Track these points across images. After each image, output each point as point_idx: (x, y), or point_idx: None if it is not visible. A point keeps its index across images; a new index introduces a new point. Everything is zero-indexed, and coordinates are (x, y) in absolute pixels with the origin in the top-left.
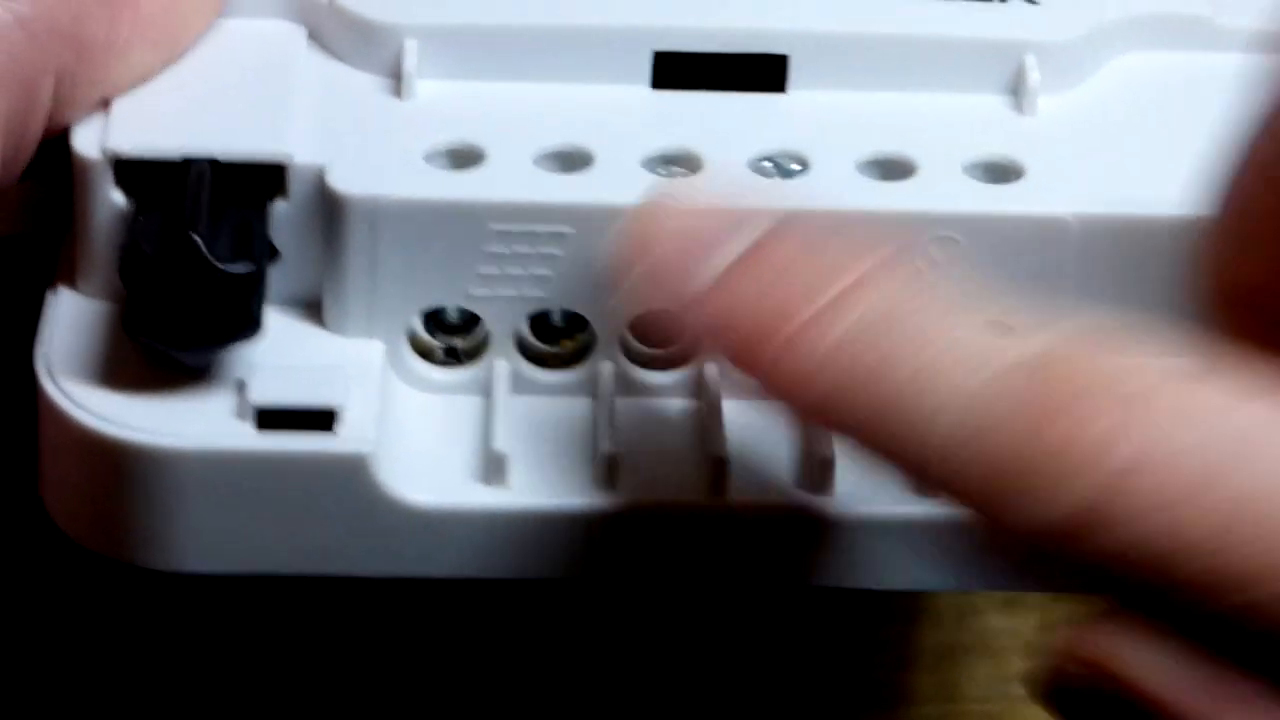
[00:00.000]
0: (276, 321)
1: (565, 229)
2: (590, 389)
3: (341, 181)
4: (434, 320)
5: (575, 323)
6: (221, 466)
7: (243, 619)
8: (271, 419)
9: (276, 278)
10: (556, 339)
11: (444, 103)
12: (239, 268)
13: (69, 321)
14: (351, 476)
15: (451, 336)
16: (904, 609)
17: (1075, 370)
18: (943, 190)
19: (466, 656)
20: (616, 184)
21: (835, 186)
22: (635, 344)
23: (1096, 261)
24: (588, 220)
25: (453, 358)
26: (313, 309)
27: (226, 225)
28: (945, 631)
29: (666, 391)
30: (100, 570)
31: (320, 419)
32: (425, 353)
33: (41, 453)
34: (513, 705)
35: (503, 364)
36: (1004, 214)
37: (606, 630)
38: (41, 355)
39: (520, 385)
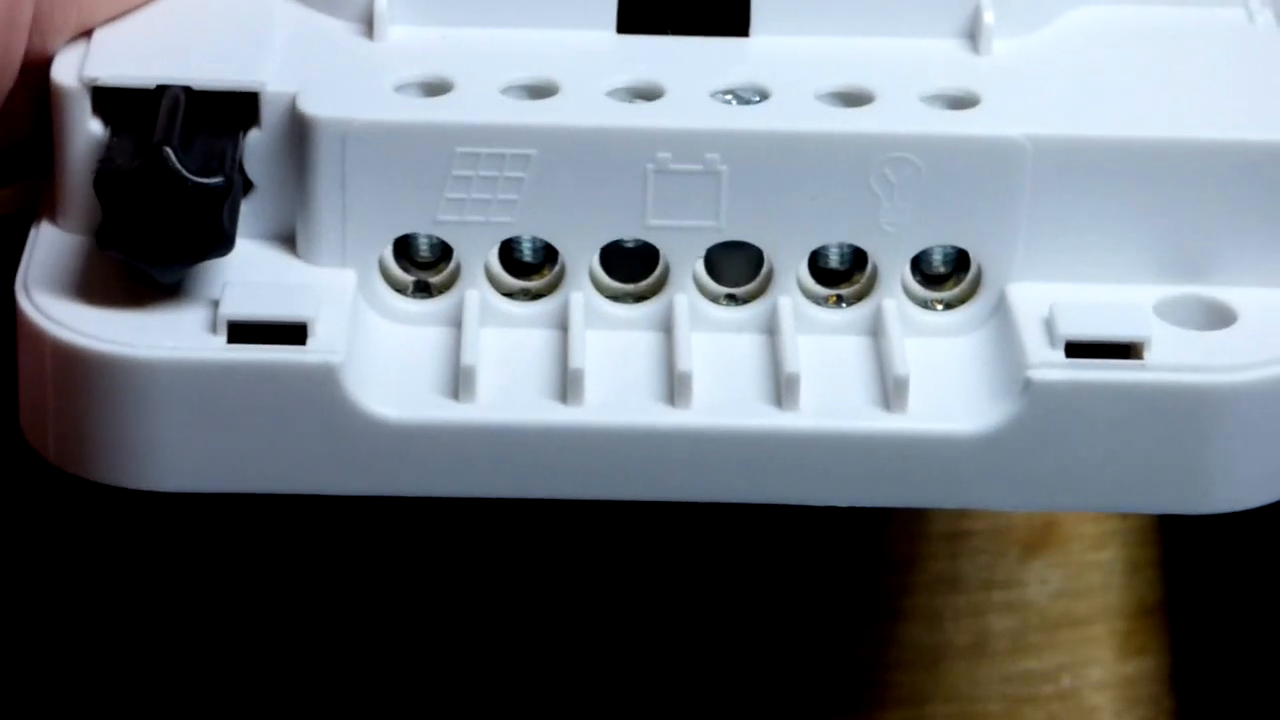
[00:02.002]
0: (251, 251)
1: (530, 151)
2: (560, 321)
3: (311, 105)
4: (406, 256)
5: (545, 258)
6: (192, 378)
7: (218, 543)
8: (243, 332)
9: (251, 211)
10: (527, 275)
11: (414, 43)
12: (210, 181)
13: (48, 250)
14: (320, 388)
15: (423, 271)
16: (904, 609)
17: None
18: (899, 115)
19: (449, 585)
20: (581, 109)
21: (794, 113)
22: (604, 277)
23: (1050, 184)
24: (553, 142)
25: (424, 291)
26: (288, 243)
27: (199, 146)
28: (945, 631)
29: (635, 325)
30: (76, 495)
31: (291, 333)
32: (398, 287)
33: (20, 377)
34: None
35: (474, 293)
36: (958, 135)
37: (605, 627)
38: (20, 278)
39: (490, 317)
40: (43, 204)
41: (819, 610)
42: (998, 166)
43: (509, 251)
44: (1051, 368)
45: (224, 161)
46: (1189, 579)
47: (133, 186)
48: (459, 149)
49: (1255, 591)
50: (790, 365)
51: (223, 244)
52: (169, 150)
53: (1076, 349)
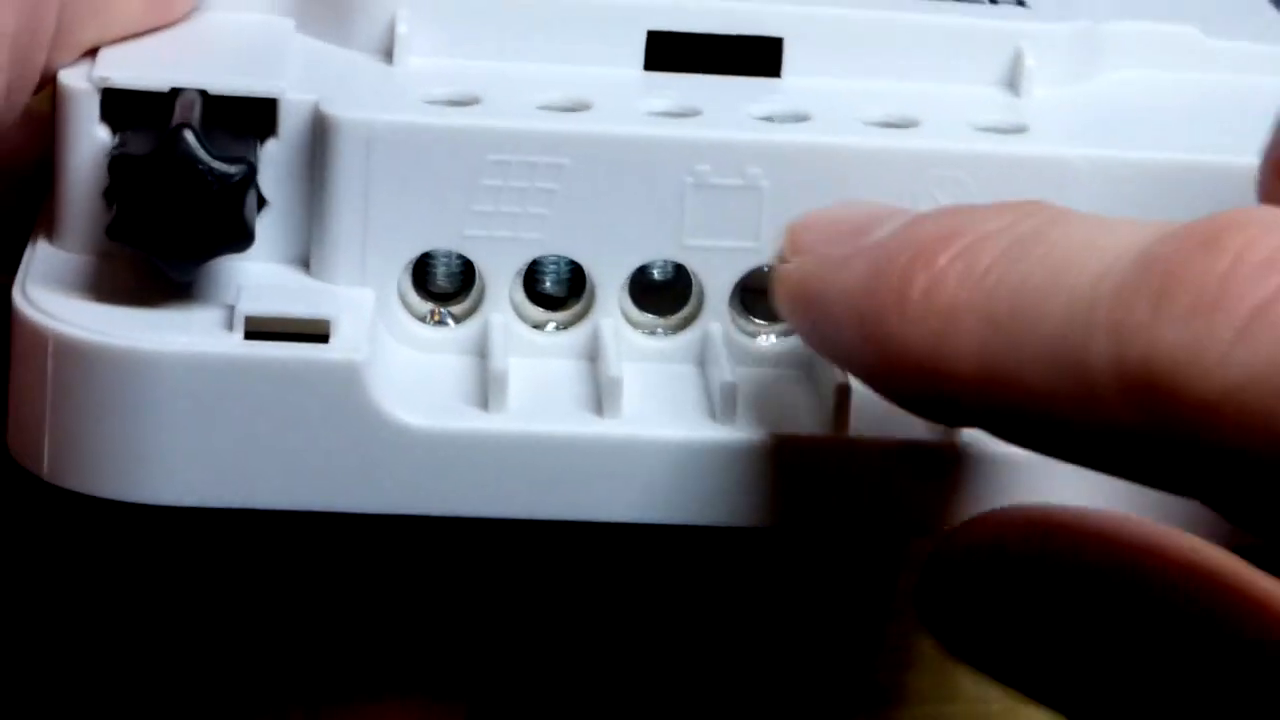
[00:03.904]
0: (263, 271)
1: (563, 160)
2: (587, 352)
3: (335, 107)
4: (422, 286)
5: (570, 291)
6: (205, 375)
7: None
8: (261, 330)
9: (265, 232)
10: (551, 308)
11: (437, 69)
12: (231, 168)
13: (46, 263)
14: (342, 391)
15: (441, 302)
16: (905, 608)
17: (1245, 214)
18: (947, 134)
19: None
20: (618, 119)
21: (839, 129)
22: (633, 309)
23: (1101, 207)
24: (588, 151)
25: (442, 323)
26: (302, 266)
27: (217, 140)
28: None
29: (668, 357)
30: (74, 513)
31: (311, 330)
32: (415, 315)
33: (11, 390)
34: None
35: (498, 316)
36: (1010, 154)
37: (601, 631)
38: (17, 284)
39: (514, 346)
40: (39, 224)
41: (818, 610)
42: (1049, 187)
43: (532, 284)
44: None
45: (245, 153)
46: None
47: (149, 171)
48: (489, 156)
49: None
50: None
51: (242, 238)
52: (188, 132)
53: None
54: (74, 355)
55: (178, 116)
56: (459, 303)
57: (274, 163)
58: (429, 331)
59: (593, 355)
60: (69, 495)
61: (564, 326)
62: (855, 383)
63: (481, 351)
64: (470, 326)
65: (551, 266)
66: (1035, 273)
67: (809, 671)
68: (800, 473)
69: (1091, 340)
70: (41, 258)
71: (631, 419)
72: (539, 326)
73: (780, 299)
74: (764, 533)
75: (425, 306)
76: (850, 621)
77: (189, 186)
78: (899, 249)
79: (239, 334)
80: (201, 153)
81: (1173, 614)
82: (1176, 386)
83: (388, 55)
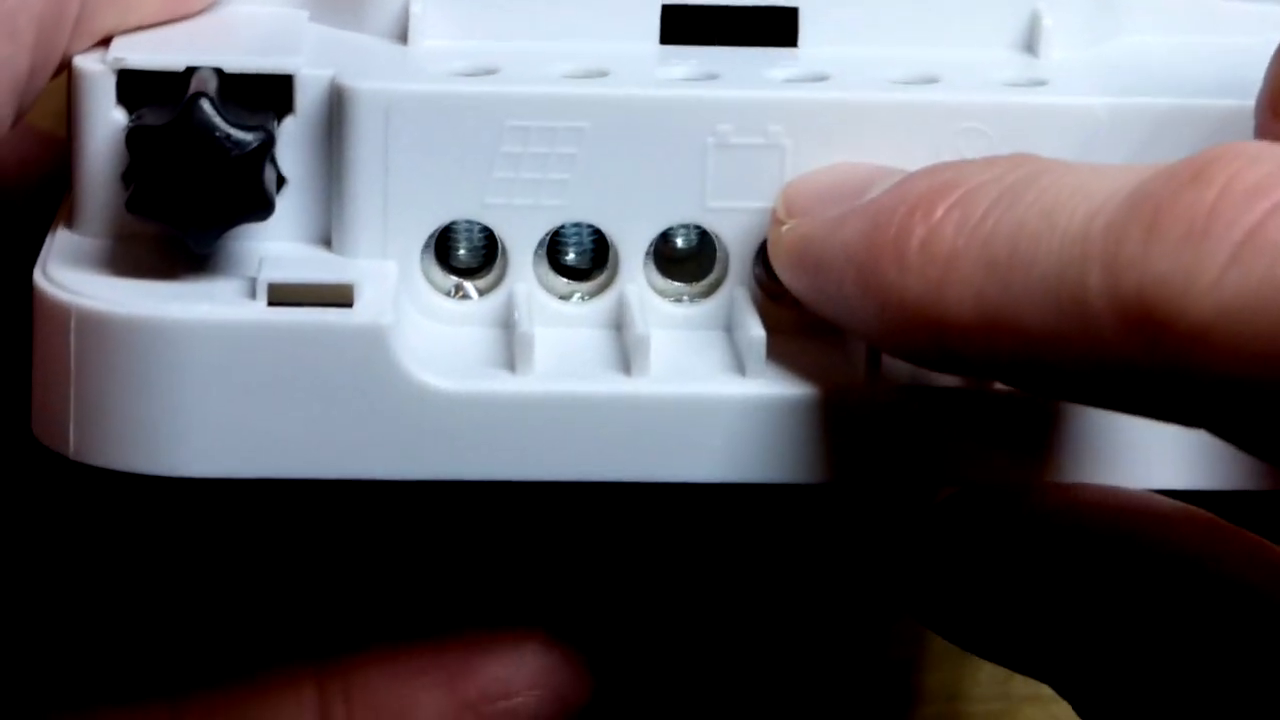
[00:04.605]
0: (285, 248)
1: (583, 124)
2: (611, 321)
3: (352, 78)
4: (444, 261)
5: (593, 262)
6: (230, 343)
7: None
8: (284, 299)
9: (284, 211)
10: (574, 279)
11: (453, 48)
12: (248, 136)
13: (66, 247)
14: (369, 355)
15: (464, 276)
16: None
17: (1231, 148)
18: (969, 87)
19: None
20: (635, 81)
21: (860, 85)
22: (657, 276)
23: (1128, 155)
24: (606, 113)
25: (465, 297)
26: (323, 245)
27: (234, 111)
28: None
29: (697, 324)
30: (95, 489)
31: (335, 297)
32: (438, 289)
33: (35, 373)
34: None
35: (522, 285)
36: (1033, 104)
37: (604, 630)
38: (38, 267)
39: (538, 316)
40: (58, 215)
41: (821, 610)
42: (1072, 137)
43: (555, 258)
44: None
45: (263, 123)
46: None
47: (167, 141)
48: (509, 122)
49: None
50: None
51: (262, 206)
52: (205, 101)
53: None
54: (96, 328)
55: (194, 88)
56: (482, 277)
57: (292, 141)
58: (453, 305)
59: (618, 324)
60: (89, 480)
61: (589, 297)
62: None
63: (506, 323)
64: (494, 299)
65: (574, 238)
66: (1029, 217)
67: (813, 671)
68: (833, 425)
69: (1087, 276)
70: (61, 242)
71: (660, 377)
72: (564, 298)
73: (779, 260)
74: (775, 523)
75: (449, 281)
76: (853, 621)
77: (207, 154)
78: (895, 203)
79: (262, 301)
80: (218, 120)
81: (1173, 566)
82: (1171, 314)
83: (402, 38)
